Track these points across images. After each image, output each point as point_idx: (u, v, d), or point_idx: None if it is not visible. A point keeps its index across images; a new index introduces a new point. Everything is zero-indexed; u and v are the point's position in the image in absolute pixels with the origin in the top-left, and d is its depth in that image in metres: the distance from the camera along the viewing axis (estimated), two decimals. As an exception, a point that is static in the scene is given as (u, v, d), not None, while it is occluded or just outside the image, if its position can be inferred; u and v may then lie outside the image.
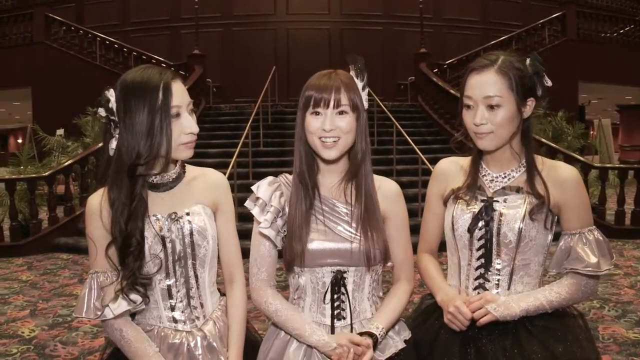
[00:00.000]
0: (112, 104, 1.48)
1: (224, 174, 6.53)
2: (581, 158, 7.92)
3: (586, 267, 1.56)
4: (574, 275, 1.61)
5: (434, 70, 11.83)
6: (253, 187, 1.64)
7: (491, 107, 1.54)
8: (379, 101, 9.73)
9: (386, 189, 1.68)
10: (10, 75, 12.26)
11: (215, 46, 13.20)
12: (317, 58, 13.22)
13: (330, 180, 1.65)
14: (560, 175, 1.61)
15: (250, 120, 8.90)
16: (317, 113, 1.56)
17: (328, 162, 1.62)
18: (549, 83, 1.61)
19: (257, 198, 1.62)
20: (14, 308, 4.93)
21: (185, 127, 1.50)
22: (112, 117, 1.48)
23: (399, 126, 8.70)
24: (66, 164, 7.79)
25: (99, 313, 1.49)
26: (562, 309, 1.62)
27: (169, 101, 1.45)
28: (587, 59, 12.46)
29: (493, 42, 12.34)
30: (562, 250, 1.62)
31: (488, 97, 1.54)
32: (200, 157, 9.64)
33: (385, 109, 9.46)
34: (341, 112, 1.55)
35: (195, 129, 1.52)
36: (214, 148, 9.85)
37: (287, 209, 1.63)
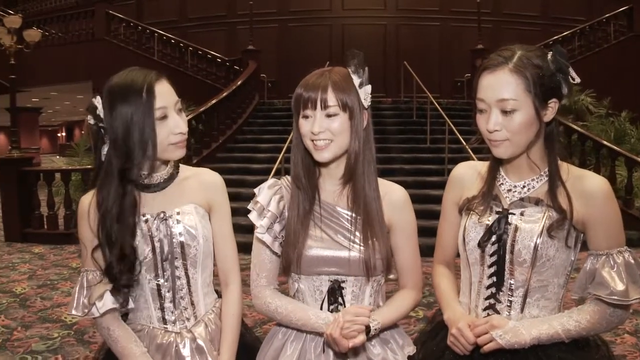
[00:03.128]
0: (100, 110, 1.47)
1: (272, 169, 6.54)
2: (645, 162, 7.49)
3: (611, 295, 1.35)
4: (599, 303, 1.40)
5: (491, 67, 11.48)
6: (255, 190, 1.58)
7: (505, 112, 1.37)
8: (432, 98, 9.56)
9: (392, 197, 1.57)
10: (73, 70, 12.77)
11: (271, 42, 13.28)
12: (373, 54, 13.13)
13: (331, 184, 1.57)
14: (587, 187, 1.40)
15: (301, 116, 8.85)
16: (306, 116, 1.48)
17: (325, 164, 1.53)
18: (576, 79, 1.41)
19: (257, 202, 1.56)
20: (60, 294, 5.09)
21: (173, 128, 1.47)
22: (101, 125, 1.48)
23: (451, 124, 8.49)
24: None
25: (86, 311, 1.50)
26: (582, 337, 1.44)
27: (152, 103, 1.43)
28: (655, 56, 11.78)
29: (554, 38, 11.85)
30: (586, 272, 1.42)
31: (502, 101, 1.36)
32: (251, 152, 9.75)
33: (437, 106, 9.27)
34: (330, 114, 1.46)
35: (183, 128, 1.49)
36: (265, 143, 9.92)
37: (286, 214, 1.55)
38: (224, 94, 9.94)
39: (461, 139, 7.97)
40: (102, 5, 12.37)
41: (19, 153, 8.05)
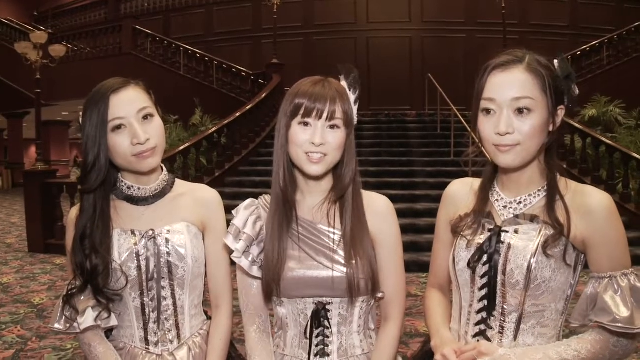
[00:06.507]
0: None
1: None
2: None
3: (614, 322, 1.22)
4: (601, 331, 1.27)
5: (518, 79, 11.30)
6: (233, 211, 1.49)
7: (520, 112, 1.26)
8: (456, 111, 9.42)
9: (375, 206, 1.48)
10: (101, 84, 12.99)
11: (296, 55, 13.36)
12: (398, 67, 13.11)
13: (311, 200, 1.47)
14: (588, 203, 1.28)
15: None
16: (305, 124, 1.38)
17: (311, 179, 1.44)
18: (576, 92, 1.33)
19: (233, 224, 1.47)
20: (77, 306, 5.08)
21: (132, 138, 1.42)
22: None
23: (475, 137, 8.30)
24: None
25: (68, 325, 1.46)
26: None
27: (104, 115, 1.40)
28: (689, 65, 11.40)
29: (582, 47, 11.62)
30: (587, 297, 1.29)
31: (516, 99, 1.25)
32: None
33: (462, 119, 9.12)
34: (333, 126, 1.38)
35: (141, 138, 1.41)
36: (287, 157, 9.86)
37: (264, 234, 1.46)
38: (247, 108, 9.94)
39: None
40: (129, 20, 12.66)
41: (42, 165, 8.15)
